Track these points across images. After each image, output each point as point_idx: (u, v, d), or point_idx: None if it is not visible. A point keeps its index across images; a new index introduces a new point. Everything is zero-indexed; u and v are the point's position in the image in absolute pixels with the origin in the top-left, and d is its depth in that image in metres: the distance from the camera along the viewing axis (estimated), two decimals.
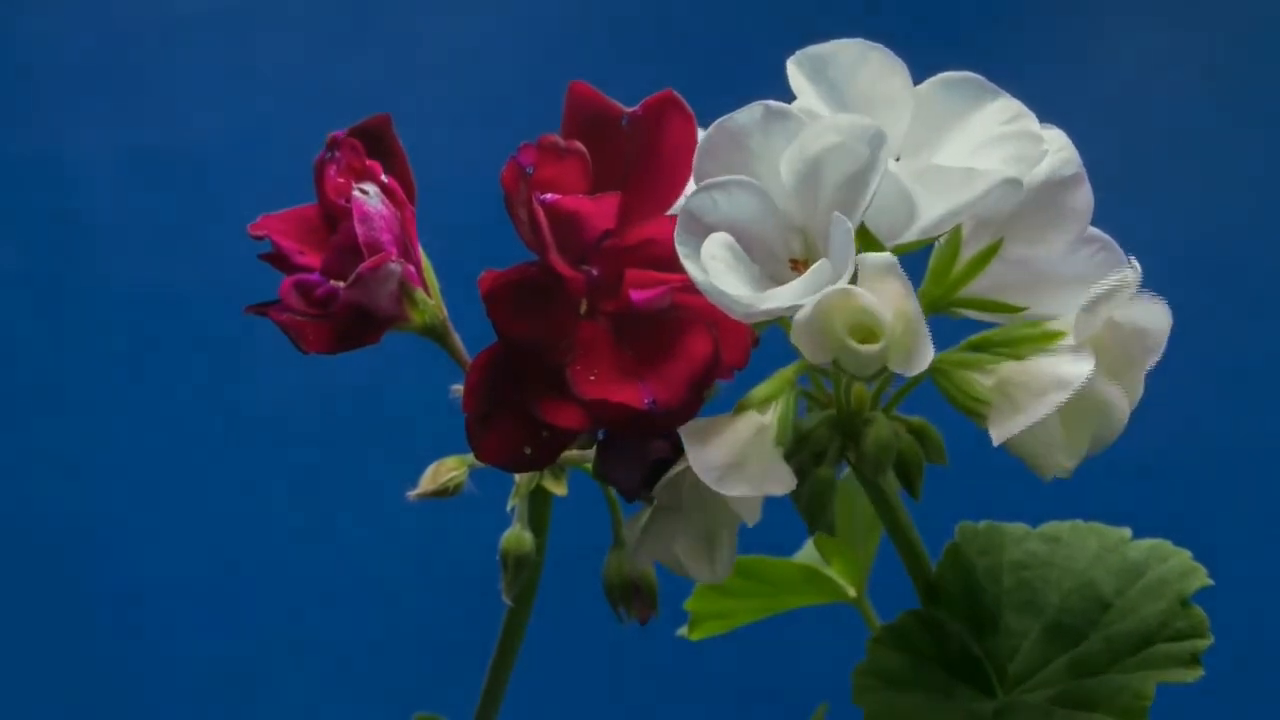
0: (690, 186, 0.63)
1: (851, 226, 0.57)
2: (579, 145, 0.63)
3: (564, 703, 1.40)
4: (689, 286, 0.60)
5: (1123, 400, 0.61)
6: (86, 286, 1.52)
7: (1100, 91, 1.46)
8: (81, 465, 1.50)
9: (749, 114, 0.61)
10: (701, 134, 0.62)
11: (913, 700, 0.68)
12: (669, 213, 0.64)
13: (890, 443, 0.62)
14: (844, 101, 0.62)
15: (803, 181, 0.60)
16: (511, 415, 0.62)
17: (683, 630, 0.81)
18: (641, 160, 0.64)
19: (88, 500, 1.49)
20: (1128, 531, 0.71)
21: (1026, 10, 1.53)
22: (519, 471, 0.68)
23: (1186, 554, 0.69)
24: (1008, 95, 0.62)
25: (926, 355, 0.58)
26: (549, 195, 0.61)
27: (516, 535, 0.70)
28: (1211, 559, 0.69)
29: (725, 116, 0.61)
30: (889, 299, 0.57)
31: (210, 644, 1.48)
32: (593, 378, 0.61)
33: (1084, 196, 0.62)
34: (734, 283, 0.59)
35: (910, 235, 0.60)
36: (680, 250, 0.60)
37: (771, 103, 0.60)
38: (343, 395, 1.46)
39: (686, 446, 0.60)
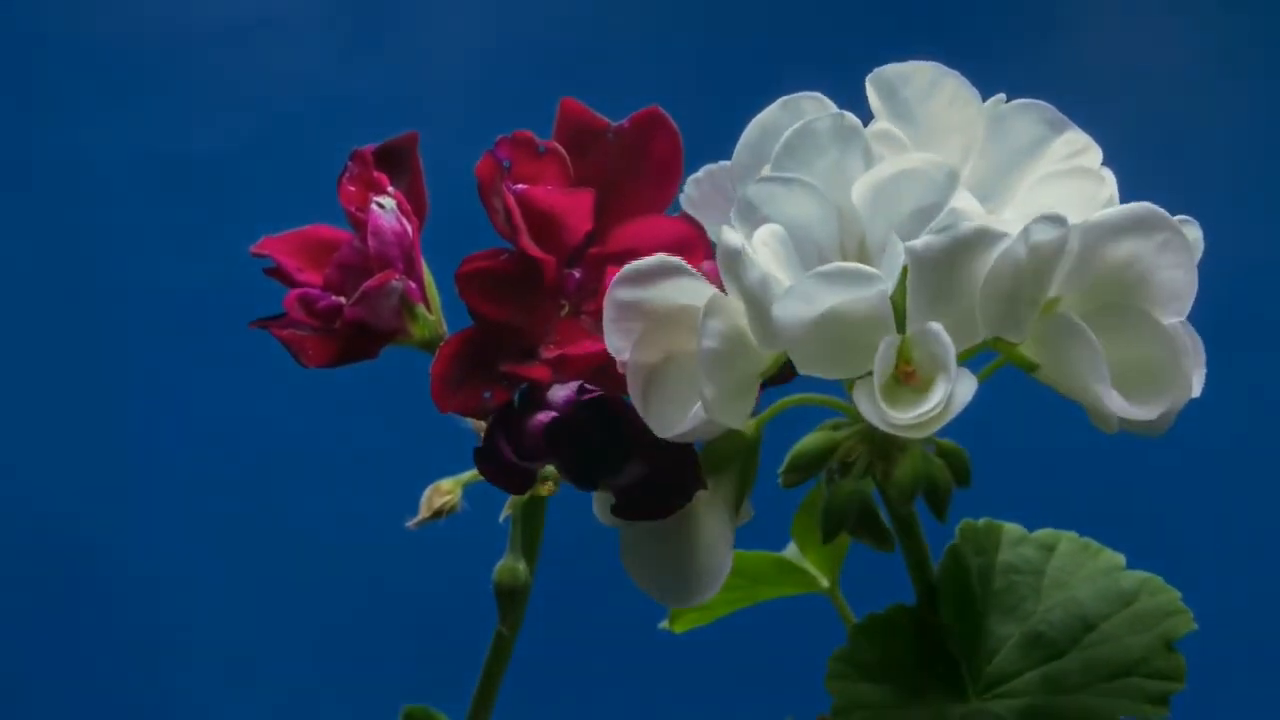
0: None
1: (902, 258, 0.57)
2: (557, 146, 0.64)
3: (552, 696, 1.41)
4: None
5: (1171, 338, 0.59)
6: (107, 291, 1.53)
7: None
8: (94, 465, 1.52)
9: (830, 122, 0.61)
10: (779, 121, 0.62)
11: (881, 694, 0.69)
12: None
13: (923, 475, 0.61)
14: (916, 122, 0.62)
15: (872, 201, 0.60)
16: (478, 376, 0.63)
17: (664, 623, 0.82)
18: (627, 173, 0.65)
19: (103, 499, 1.51)
20: (1122, 558, 0.72)
21: None
22: (476, 418, 0.69)
23: (1176, 594, 0.70)
24: (1076, 127, 0.63)
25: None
26: (521, 185, 0.63)
27: (510, 568, 0.71)
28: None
29: (809, 118, 0.61)
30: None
31: (217, 637, 1.51)
32: (561, 350, 0.63)
33: None
34: (779, 271, 0.59)
35: None
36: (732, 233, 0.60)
37: (849, 115, 0.60)
38: (349, 400, 1.47)
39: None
